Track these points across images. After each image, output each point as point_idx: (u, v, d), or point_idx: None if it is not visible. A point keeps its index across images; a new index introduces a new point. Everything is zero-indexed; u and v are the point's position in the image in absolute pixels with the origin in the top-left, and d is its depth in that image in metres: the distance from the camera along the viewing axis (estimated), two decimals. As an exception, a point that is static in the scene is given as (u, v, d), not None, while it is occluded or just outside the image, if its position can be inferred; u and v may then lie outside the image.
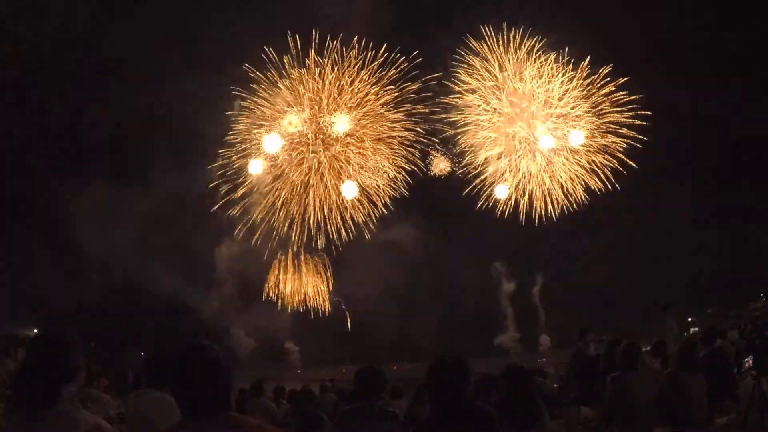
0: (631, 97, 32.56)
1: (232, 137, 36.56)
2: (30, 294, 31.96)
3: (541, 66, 33.59)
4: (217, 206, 35.15)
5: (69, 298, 32.14)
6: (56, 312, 30.61)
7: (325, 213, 36.90)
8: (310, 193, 36.30)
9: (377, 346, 38.09)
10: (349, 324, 41.21)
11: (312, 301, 39.72)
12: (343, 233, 36.91)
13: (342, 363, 39.82)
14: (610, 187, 34.56)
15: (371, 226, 36.43)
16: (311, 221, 37.07)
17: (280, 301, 38.31)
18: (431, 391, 3.55)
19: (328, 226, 37.15)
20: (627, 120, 32.55)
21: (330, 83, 35.42)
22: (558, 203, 35.69)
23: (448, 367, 3.51)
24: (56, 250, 33.00)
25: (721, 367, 6.96)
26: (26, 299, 31.40)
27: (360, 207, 37.24)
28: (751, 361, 7.53)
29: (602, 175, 34.87)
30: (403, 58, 34.51)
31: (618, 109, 32.98)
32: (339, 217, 36.78)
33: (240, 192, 35.69)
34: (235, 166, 37.42)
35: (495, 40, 34.68)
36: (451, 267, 38.27)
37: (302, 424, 6.89)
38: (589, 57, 32.88)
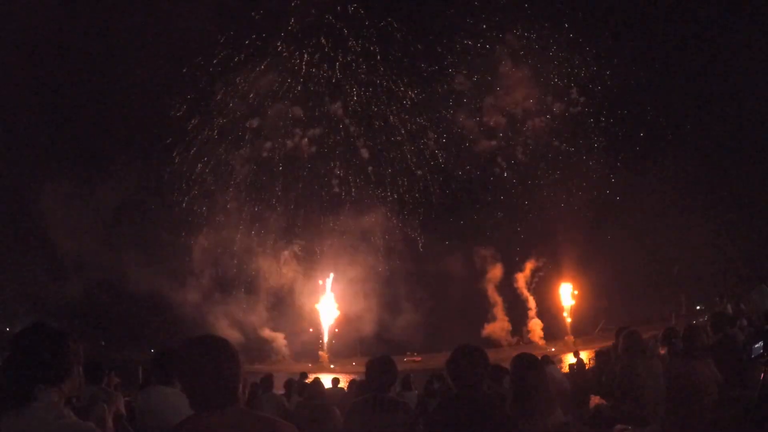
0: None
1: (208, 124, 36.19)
2: (17, 291, 31.99)
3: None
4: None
5: (54, 294, 32.30)
6: (52, 308, 30.76)
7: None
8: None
9: (361, 339, 38.03)
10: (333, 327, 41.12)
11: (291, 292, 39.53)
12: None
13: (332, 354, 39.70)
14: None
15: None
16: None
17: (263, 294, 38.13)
18: (452, 375, 3.63)
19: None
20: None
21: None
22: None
23: (469, 353, 3.60)
24: (35, 248, 33.03)
25: (730, 355, 6.91)
26: (14, 296, 31.46)
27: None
28: (762, 348, 7.47)
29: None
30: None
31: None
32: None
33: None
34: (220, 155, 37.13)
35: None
36: (435, 254, 38.04)
37: (313, 416, 6.89)
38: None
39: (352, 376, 15.93)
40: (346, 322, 41.67)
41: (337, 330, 43.01)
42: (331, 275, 41.86)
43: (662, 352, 8.33)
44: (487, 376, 3.70)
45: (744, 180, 32.79)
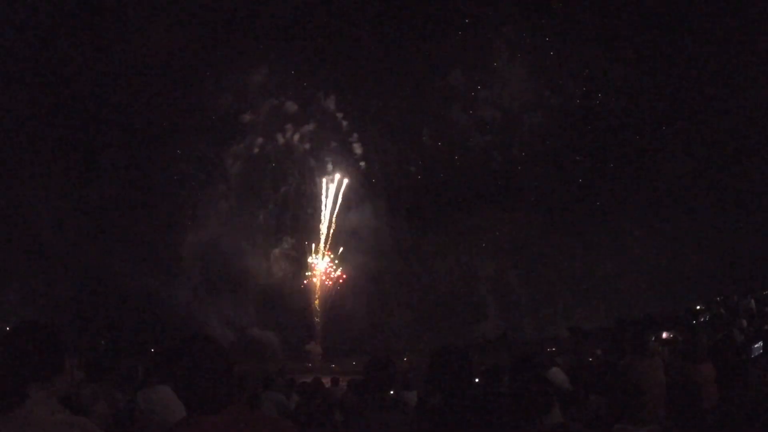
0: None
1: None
2: (9, 288, 31.85)
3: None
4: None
5: (47, 294, 32.17)
6: (48, 308, 30.68)
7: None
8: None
9: (350, 338, 37.77)
10: (318, 317, 40.78)
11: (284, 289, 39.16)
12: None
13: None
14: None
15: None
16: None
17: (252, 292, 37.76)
18: (435, 380, 3.59)
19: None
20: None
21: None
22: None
23: (449, 355, 3.57)
24: (25, 249, 32.87)
25: (729, 355, 6.92)
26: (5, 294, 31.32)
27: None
28: (762, 348, 7.49)
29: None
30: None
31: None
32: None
33: None
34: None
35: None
36: (427, 251, 37.68)
37: (313, 416, 6.90)
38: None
39: (339, 376, 15.88)
40: (335, 323, 41.34)
41: (330, 309, 42.24)
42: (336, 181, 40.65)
43: (662, 351, 8.34)
44: (474, 376, 3.66)
45: (747, 176, 32.71)
